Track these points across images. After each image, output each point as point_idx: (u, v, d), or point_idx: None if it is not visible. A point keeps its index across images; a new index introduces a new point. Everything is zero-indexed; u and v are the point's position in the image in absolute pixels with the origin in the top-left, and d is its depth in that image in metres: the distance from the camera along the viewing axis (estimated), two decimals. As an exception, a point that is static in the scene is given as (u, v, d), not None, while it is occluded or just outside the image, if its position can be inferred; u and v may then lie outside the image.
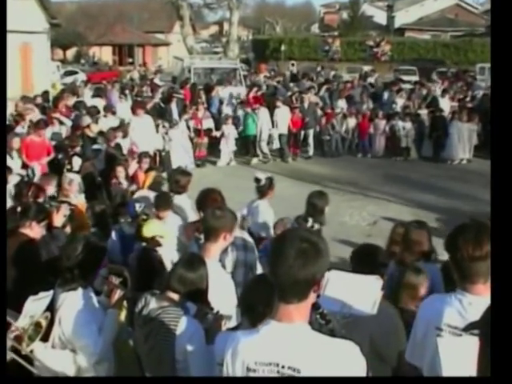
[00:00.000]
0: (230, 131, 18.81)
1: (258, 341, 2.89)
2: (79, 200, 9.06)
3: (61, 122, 14.75)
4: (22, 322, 4.17)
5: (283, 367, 2.79)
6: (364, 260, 4.81)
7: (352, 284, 3.91)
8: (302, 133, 19.95)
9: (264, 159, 19.51)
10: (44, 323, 4.38)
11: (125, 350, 5.14)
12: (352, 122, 20.29)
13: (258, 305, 3.75)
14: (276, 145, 19.52)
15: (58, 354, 4.61)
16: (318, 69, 36.76)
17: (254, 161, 19.27)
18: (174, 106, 18.97)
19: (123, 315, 5.31)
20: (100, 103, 17.73)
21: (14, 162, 11.18)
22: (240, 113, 19.84)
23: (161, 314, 4.15)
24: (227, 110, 20.43)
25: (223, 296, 4.52)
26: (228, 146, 18.95)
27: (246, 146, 19.69)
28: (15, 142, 11.80)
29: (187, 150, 18.10)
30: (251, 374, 2.87)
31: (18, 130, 13.43)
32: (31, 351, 4.35)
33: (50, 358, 4.58)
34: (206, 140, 18.91)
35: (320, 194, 7.55)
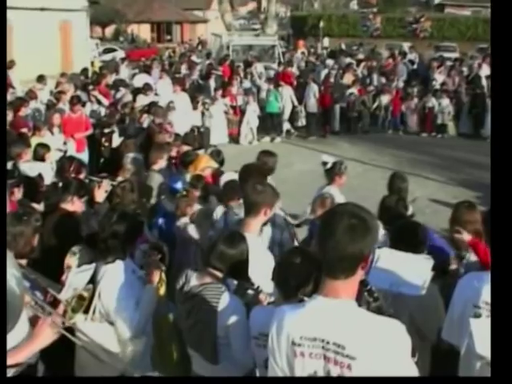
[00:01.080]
0: (252, 108, 18.72)
1: (303, 315, 2.88)
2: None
3: (98, 101, 14.81)
4: (65, 295, 4.20)
5: (328, 343, 2.77)
6: (404, 238, 4.75)
7: (402, 262, 3.86)
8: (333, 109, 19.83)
9: (287, 137, 19.45)
10: (87, 296, 4.42)
11: (164, 324, 5.18)
12: (385, 98, 20.07)
13: (290, 279, 3.74)
14: (302, 122, 19.45)
15: (98, 327, 4.67)
16: (356, 46, 36.39)
17: (278, 139, 19.21)
18: (212, 83, 18.92)
19: (163, 290, 5.35)
20: (145, 80, 17.64)
21: (54, 139, 11.25)
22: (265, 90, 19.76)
23: (202, 291, 4.15)
24: (264, 86, 20.33)
25: (264, 271, 4.50)
26: (250, 124, 18.83)
27: (268, 122, 19.57)
28: (56, 118, 11.85)
29: (223, 127, 18.15)
30: (296, 349, 2.85)
31: (60, 106, 13.53)
32: (74, 323, 4.40)
33: (91, 330, 4.62)
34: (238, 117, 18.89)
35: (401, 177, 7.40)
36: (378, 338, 2.70)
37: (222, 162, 8.87)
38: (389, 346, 2.70)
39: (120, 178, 7.86)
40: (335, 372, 2.77)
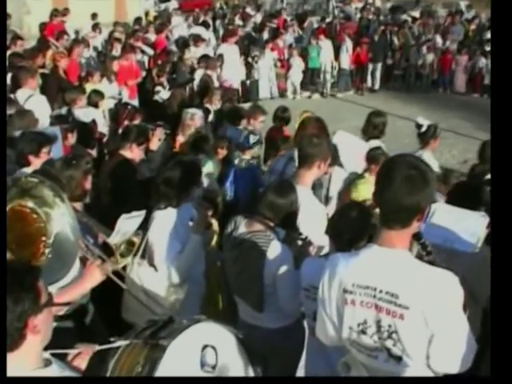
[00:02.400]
0: (296, 63, 18.44)
1: (357, 263, 2.86)
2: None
3: (142, 51, 14.77)
4: (114, 239, 4.23)
5: (381, 291, 2.75)
6: (460, 198, 4.64)
7: (457, 218, 3.79)
8: (370, 67, 19.48)
9: (324, 93, 19.16)
10: (136, 241, 4.44)
11: (212, 272, 5.21)
12: (430, 57, 19.61)
13: (344, 232, 3.72)
14: (336, 78, 19.23)
15: (144, 272, 4.72)
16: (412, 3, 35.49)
17: (315, 95, 18.96)
18: (265, 36, 18.72)
19: (214, 240, 5.37)
20: (200, 32, 17.50)
21: (109, 86, 11.29)
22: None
23: (251, 238, 4.14)
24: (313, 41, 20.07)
25: (313, 223, 4.47)
26: (293, 79, 18.60)
27: (310, 77, 19.35)
28: (114, 65, 11.89)
29: (272, 80, 17.99)
30: (347, 296, 2.84)
31: (113, 54, 13.56)
32: (123, 268, 4.44)
33: (137, 274, 4.68)
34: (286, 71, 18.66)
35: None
36: (431, 289, 2.67)
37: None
38: (442, 296, 2.66)
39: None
40: (386, 322, 2.75)
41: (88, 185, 4.62)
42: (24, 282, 2.18)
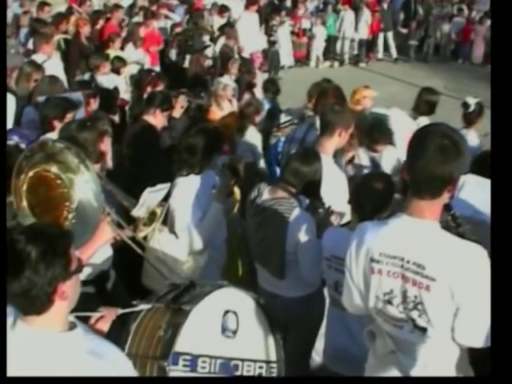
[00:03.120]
0: (320, 32, 18.30)
1: (385, 232, 2.81)
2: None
3: (166, 16, 14.64)
4: (137, 211, 4.21)
5: (408, 262, 2.70)
6: (484, 169, 4.56)
7: (487, 190, 3.73)
8: (381, 36, 19.32)
9: (339, 61, 19.06)
10: (159, 212, 4.44)
11: (233, 239, 5.19)
12: (446, 27, 19.39)
13: (367, 203, 3.67)
14: (352, 47, 19.08)
15: (164, 238, 4.70)
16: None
17: (326, 63, 18.84)
18: (288, 4, 18.49)
19: (236, 207, 5.34)
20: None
21: (136, 52, 11.22)
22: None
23: (274, 205, 4.11)
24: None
25: (336, 192, 4.43)
26: (315, 47, 18.48)
27: (331, 46, 19.16)
28: (141, 31, 11.79)
29: (289, 49, 17.89)
30: (374, 265, 2.80)
31: (135, 19, 13.48)
32: (144, 238, 4.42)
33: (159, 241, 4.68)
34: (304, 40, 18.53)
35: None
36: (459, 262, 2.61)
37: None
38: (470, 270, 2.61)
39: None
40: (412, 293, 2.71)
41: (105, 147, 4.54)
42: (57, 247, 2.17)
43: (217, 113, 8.07)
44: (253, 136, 7.04)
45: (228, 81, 8.61)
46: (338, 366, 4.00)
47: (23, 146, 4.83)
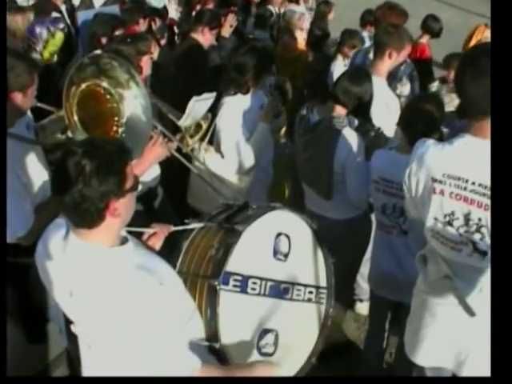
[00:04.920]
0: None
1: (449, 153, 2.66)
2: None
3: None
4: (183, 122, 4.13)
5: (473, 183, 2.56)
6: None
7: None
8: None
9: None
10: (204, 124, 4.34)
11: (280, 161, 5.08)
12: None
13: (418, 124, 3.50)
14: None
15: (211, 156, 4.61)
16: None
17: None
18: None
19: (283, 129, 5.21)
20: None
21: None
22: None
23: (323, 124, 3.97)
24: None
25: (386, 114, 4.27)
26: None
27: None
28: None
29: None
30: (436, 186, 2.67)
31: None
32: (192, 150, 4.36)
33: (205, 158, 4.58)
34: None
35: None
36: None
37: None
38: None
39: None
40: (476, 215, 2.58)
41: (144, 65, 4.42)
42: (113, 164, 2.07)
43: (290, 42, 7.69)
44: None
45: (303, 9, 8.20)
46: (382, 291, 3.93)
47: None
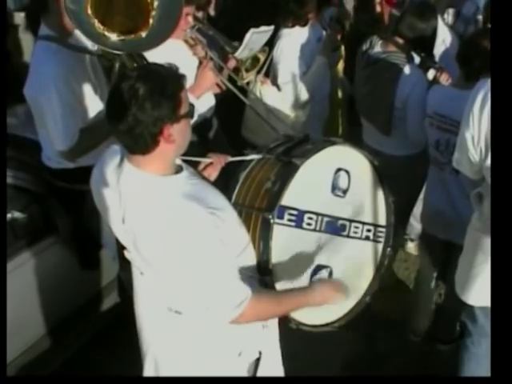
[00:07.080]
0: None
1: None
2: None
3: None
4: (240, 54, 3.95)
5: None
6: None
7: None
8: None
9: None
10: (261, 58, 4.16)
11: (335, 96, 4.89)
12: None
13: (475, 59, 3.28)
14: None
15: (268, 90, 4.48)
16: None
17: None
18: None
19: (341, 64, 5.01)
20: None
21: None
22: None
23: (386, 58, 3.80)
24: None
25: (447, 52, 4.09)
26: None
27: None
28: None
29: None
30: None
31: None
32: (247, 83, 4.18)
33: (261, 93, 4.47)
34: None
35: None
36: None
37: None
38: None
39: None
40: None
41: None
42: (166, 88, 1.95)
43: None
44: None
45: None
46: (434, 229, 3.77)
47: None
